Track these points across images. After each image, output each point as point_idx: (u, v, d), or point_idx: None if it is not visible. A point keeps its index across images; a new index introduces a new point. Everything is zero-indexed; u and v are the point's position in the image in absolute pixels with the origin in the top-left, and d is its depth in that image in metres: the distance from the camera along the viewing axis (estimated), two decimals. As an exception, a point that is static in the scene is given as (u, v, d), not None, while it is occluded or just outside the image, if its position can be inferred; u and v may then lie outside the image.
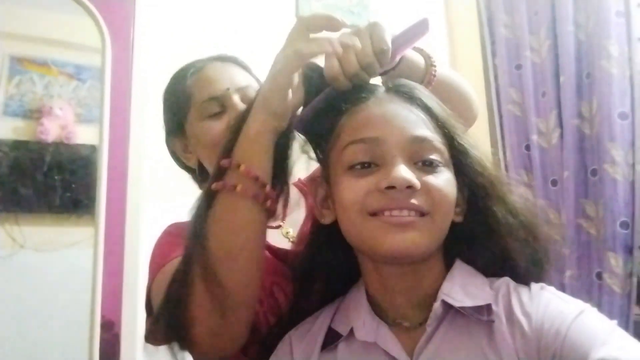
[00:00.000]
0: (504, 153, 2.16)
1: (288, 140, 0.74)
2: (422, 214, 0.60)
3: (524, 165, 2.10)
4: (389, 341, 0.62)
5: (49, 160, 1.90)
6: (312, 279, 0.73)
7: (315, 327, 0.69)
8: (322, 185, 0.69)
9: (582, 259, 1.84)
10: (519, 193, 0.69)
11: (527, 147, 2.10)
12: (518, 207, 0.67)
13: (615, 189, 1.77)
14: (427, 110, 0.66)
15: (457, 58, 2.47)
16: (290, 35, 0.68)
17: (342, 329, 0.66)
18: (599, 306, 1.72)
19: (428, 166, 0.62)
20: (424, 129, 0.64)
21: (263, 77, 0.73)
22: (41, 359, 1.68)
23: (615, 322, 0.57)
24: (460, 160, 0.66)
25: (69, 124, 2.03)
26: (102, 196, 1.19)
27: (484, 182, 0.66)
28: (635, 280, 1.73)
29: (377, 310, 0.66)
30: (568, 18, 1.97)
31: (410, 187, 0.59)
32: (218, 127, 0.89)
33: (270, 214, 0.70)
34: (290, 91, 0.69)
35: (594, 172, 1.86)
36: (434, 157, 0.63)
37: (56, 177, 1.84)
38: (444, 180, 0.62)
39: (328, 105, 0.69)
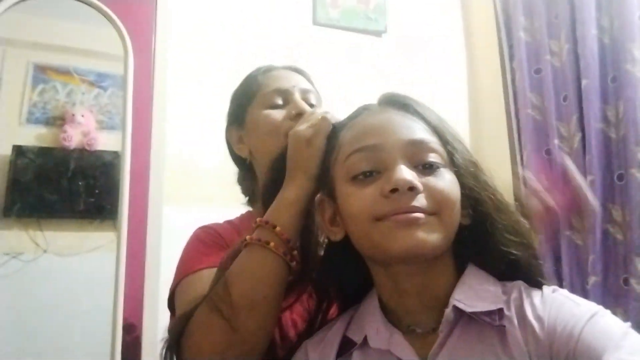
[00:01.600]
0: (521, 157, 2.14)
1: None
2: (429, 214, 0.61)
3: (544, 169, 2.07)
4: (403, 348, 0.62)
5: (72, 166, 1.94)
6: (325, 295, 0.74)
7: (330, 335, 0.69)
8: (328, 204, 0.70)
9: (609, 265, 1.82)
10: (519, 195, 0.70)
11: (548, 152, 2.08)
12: (505, 212, 0.67)
13: (641, 194, 1.74)
14: (421, 116, 0.68)
15: (475, 61, 2.46)
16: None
17: (357, 337, 0.66)
18: (626, 312, 1.70)
19: (429, 168, 0.63)
20: (421, 132, 0.66)
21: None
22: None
23: (629, 324, 0.56)
24: (454, 163, 0.67)
25: (91, 131, 2.07)
26: (125, 201, 1.21)
27: (472, 188, 0.67)
28: (662, 285, 1.70)
29: (390, 317, 0.66)
30: (591, 21, 1.95)
31: (412, 188, 0.60)
32: (277, 116, 0.94)
33: (294, 273, 0.73)
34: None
35: (621, 177, 1.83)
36: (433, 159, 0.64)
37: (80, 183, 1.87)
38: (445, 180, 0.63)
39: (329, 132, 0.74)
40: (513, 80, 2.28)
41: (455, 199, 0.64)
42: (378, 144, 0.64)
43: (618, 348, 0.52)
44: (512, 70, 2.28)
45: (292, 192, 0.73)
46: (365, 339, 0.65)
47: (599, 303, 0.62)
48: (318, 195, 0.72)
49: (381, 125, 0.66)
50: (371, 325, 0.66)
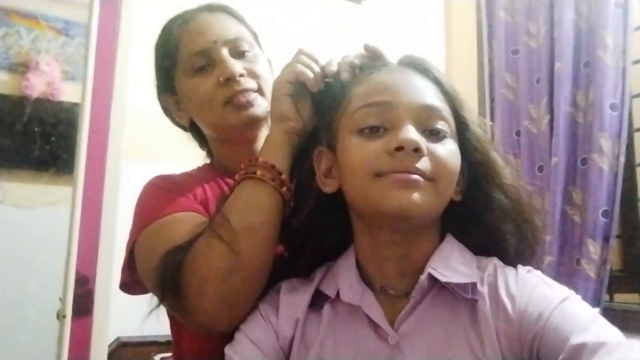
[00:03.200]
0: (492, 137, 2.16)
1: (315, 141, 0.78)
2: (427, 179, 0.61)
3: (512, 150, 2.10)
4: (373, 307, 0.63)
5: (32, 115, 1.87)
6: (303, 244, 0.74)
7: (303, 286, 0.70)
8: (326, 155, 0.70)
9: (565, 246, 1.87)
10: (512, 175, 0.70)
11: (518, 133, 2.11)
12: (512, 189, 0.68)
13: (600, 178, 1.79)
14: (438, 82, 0.68)
15: (452, 38, 2.45)
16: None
17: (330, 291, 0.67)
18: (576, 291, 1.75)
19: (435, 135, 0.63)
20: (435, 99, 0.65)
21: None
22: (15, 312, 1.68)
23: (598, 309, 0.58)
24: (463, 135, 0.67)
25: (55, 81, 1.99)
26: (82, 153, 1.17)
27: (482, 160, 0.67)
28: (609, 267, 1.76)
29: (365, 277, 0.67)
30: (570, 5, 1.95)
31: (417, 150, 0.60)
32: (206, 84, 0.86)
33: (287, 201, 0.74)
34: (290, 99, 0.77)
35: (584, 161, 1.87)
36: (441, 126, 0.64)
37: (37, 132, 1.81)
38: (449, 149, 0.63)
39: (338, 80, 0.72)
40: (491, 60, 2.28)
41: (455, 170, 0.64)
42: (390, 102, 0.63)
43: (585, 331, 0.53)
44: (491, 49, 2.28)
45: (269, 132, 0.78)
46: (337, 293, 0.66)
47: (552, 278, 0.64)
48: (317, 148, 0.72)
49: (396, 84, 0.65)
50: (345, 280, 0.66)
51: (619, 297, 1.97)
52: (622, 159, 1.78)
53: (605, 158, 1.79)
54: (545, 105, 2.00)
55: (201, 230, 0.71)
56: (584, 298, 1.85)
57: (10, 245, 1.75)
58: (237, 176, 0.75)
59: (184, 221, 0.77)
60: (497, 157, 0.69)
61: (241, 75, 0.85)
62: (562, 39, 1.96)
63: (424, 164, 0.60)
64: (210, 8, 0.92)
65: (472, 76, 2.34)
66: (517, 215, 0.68)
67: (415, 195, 0.59)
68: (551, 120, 1.97)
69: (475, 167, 0.67)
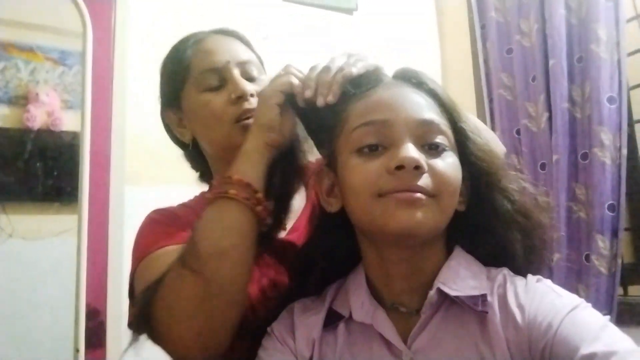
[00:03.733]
0: (493, 138, 2.16)
1: (291, 156, 0.78)
2: (429, 195, 0.61)
3: (514, 149, 2.10)
4: (385, 325, 0.63)
5: (34, 147, 1.88)
6: (312, 264, 0.74)
7: (317, 306, 0.70)
8: (327, 175, 0.70)
9: (572, 242, 1.86)
10: (517, 181, 0.70)
11: (518, 132, 2.10)
12: (516, 195, 0.68)
13: (603, 173, 1.78)
14: (434, 95, 0.68)
15: (446, 41, 2.46)
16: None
17: (343, 311, 0.67)
18: (587, 288, 1.75)
19: (434, 150, 0.63)
20: (431, 113, 0.65)
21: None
22: (28, 346, 1.68)
23: (608, 317, 0.58)
24: (463, 145, 0.67)
25: (55, 110, 2.00)
26: (85, 183, 1.18)
27: (485, 169, 0.67)
28: (620, 261, 1.75)
29: (375, 294, 0.67)
30: (559, 1, 1.96)
31: (417, 168, 0.60)
32: (217, 101, 0.87)
33: (262, 219, 0.73)
34: (278, 110, 0.75)
35: (585, 156, 1.86)
36: (440, 140, 0.64)
37: (40, 165, 1.83)
38: (449, 163, 0.63)
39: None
40: (486, 61, 2.28)
41: (457, 184, 0.64)
42: (387, 120, 0.63)
43: (595, 340, 0.53)
44: (485, 50, 2.29)
45: (247, 144, 0.76)
46: (350, 312, 0.66)
47: (562, 279, 0.64)
48: (318, 166, 0.73)
49: (392, 101, 0.65)
50: (356, 299, 0.66)
51: (633, 290, 1.95)
52: (625, 151, 1.77)
53: (607, 151, 1.78)
54: (543, 102, 2.00)
55: (174, 259, 0.70)
56: (597, 294, 1.83)
57: (21, 278, 1.75)
58: (209, 194, 0.74)
59: (173, 254, 0.76)
60: (499, 163, 0.69)
61: (252, 95, 0.86)
62: (554, 35, 1.96)
63: (425, 180, 0.60)
64: (222, 32, 0.95)
65: (469, 78, 2.34)
66: (524, 222, 0.67)
67: (419, 214, 0.59)
68: (550, 118, 1.97)
69: (478, 176, 0.67)
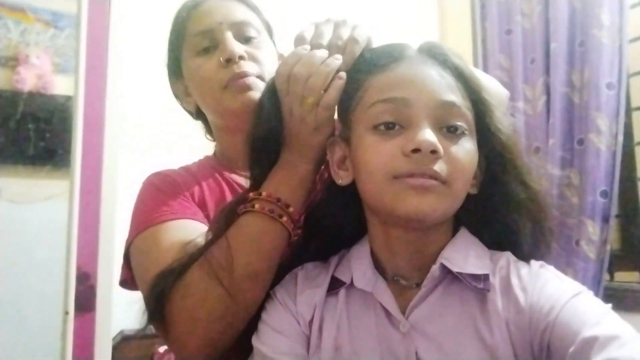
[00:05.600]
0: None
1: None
2: (442, 181, 0.59)
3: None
4: (385, 295, 0.64)
5: (24, 110, 1.84)
6: (316, 230, 0.73)
7: (319, 273, 0.71)
8: (339, 146, 0.68)
9: (564, 227, 1.87)
10: (535, 169, 0.69)
11: (513, 114, 2.10)
12: (532, 184, 0.67)
13: (598, 159, 1.79)
14: (458, 75, 0.65)
15: (446, 20, 2.43)
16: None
17: (344, 278, 0.67)
18: (575, 272, 1.77)
19: (452, 132, 0.61)
20: (454, 95, 0.62)
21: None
22: (17, 310, 1.68)
23: (610, 305, 0.58)
24: (483, 129, 0.65)
25: (46, 74, 1.96)
26: (78, 148, 1.16)
27: (501, 154, 0.65)
28: (608, 247, 1.77)
29: (378, 266, 0.67)
30: (563, -17, 1.94)
31: (434, 152, 0.58)
32: (207, 65, 0.85)
33: (290, 230, 0.71)
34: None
35: (581, 142, 1.87)
36: (459, 123, 0.62)
37: (31, 127, 1.79)
38: (466, 149, 0.62)
39: (355, 65, 0.68)
40: (484, 41, 2.26)
41: (471, 171, 0.63)
42: (407, 99, 0.61)
43: (597, 324, 0.53)
44: (484, 30, 2.26)
45: (304, 170, 0.71)
46: (352, 280, 0.66)
47: (551, 263, 0.64)
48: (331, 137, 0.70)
49: (414, 78, 0.62)
50: (359, 267, 0.67)
51: (619, 276, 1.98)
52: (621, 138, 1.78)
53: (603, 138, 1.79)
54: (541, 85, 1.99)
55: (195, 252, 0.69)
56: (584, 279, 1.85)
57: (9, 241, 1.74)
58: (257, 207, 0.70)
59: (177, 232, 0.76)
60: (519, 151, 0.68)
61: (241, 58, 0.83)
62: (556, 18, 1.94)
63: (440, 166, 0.59)
64: None
65: (466, 58, 2.32)
66: (536, 212, 0.66)
67: (431, 200, 0.59)
68: (548, 101, 1.96)
69: (495, 161, 0.66)
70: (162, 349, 1.53)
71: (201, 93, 0.88)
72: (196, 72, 0.86)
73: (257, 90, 0.82)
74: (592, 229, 1.77)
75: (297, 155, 0.71)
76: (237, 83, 0.83)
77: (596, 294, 0.58)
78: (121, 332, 1.61)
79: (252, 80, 0.83)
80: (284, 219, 0.69)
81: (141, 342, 1.59)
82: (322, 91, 0.66)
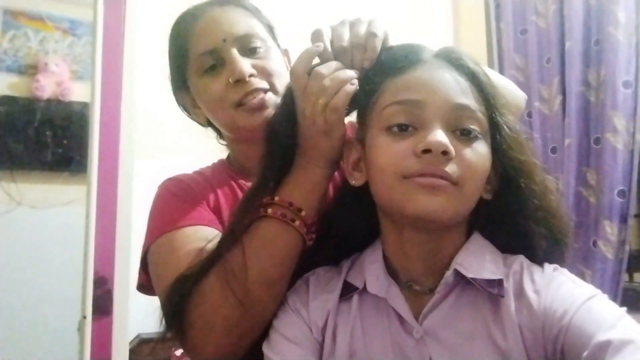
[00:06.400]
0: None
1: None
2: (453, 182, 0.59)
3: (525, 132, 2.07)
4: (399, 300, 0.64)
5: (43, 117, 1.89)
6: (329, 234, 0.73)
7: (331, 277, 0.70)
8: (355, 147, 0.69)
9: (581, 227, 1.85)
10: (548, 179, 0.68)
11: (529, 114, 2.08)
12: (545, 191, 0.67)
13: (615, 158, 1.77)
14: (474, 79, 0.65)
15: (461, 21, 2.42)
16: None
17: (357, 283, 0.67)
18: (593, 273, 1.74)
19: (466, 136, 0.61)
20: (467, 98, 0.63)
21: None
22: (36, 313, 1.71)
23: (624, 309, 0.57)
24: (497, 134, 0.64)
25: (64, 81, 2.01)
26: (94, 153, 1.18)
27: (515, 161, 0.65)
28: (627, 247, 1.75)
29: (391, 271, 0.67)
30: (578, -18, 1.92)
31: (445, 153, 0.59)
32: (216, 85, 0.83)
33: (304, 235, 0.70)
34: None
35: (597, 141, 1.84)
36: (473, 126, 0.62)
37: (49, 134, 1.83)
38: (478, 152, 0.62)
39: (372, 66, 0.68)
40: (499, 41, 2.25)
41: (483, 174, 0.62)
42: (420, 101, 0.61)
43: (611, 328, 0.53)
44: (499, 30, 2.25)
45: (317, 175, 0.71)
46: (365, 285, 0.66)
47: (568, 264, 0.63)
48: (347, 137, 0.70)
49: (429, 82, 0.63)
50: (372, 272, 0.66)
51: (638, 277, 1.94)
52: (638, 137, 1.75)
53: (620, 137, 1.76)
54: (557, 85, 1.97)
55: (210, 259, 0.69)
56: (602, 280, 1.82)
57: (29, 246, 1.78)
58: (269, 211, 0.69)
59: (193, 238, 0.76)
60: (533, 159, 0.67)
61: (251, 75, 0.82)
62: (571, 16, 1.92)
63: (451, 167, 0.59)
64: (221, 2, 0.88)
65: (481, 58, 2.31)
66: (551, 219, 0.66)
67: (440, 201, 0.59)
68: (564, 101, 1.94)
69: (509, 168, 0.65)
70: (179, 352, 1.55)
71: (211, 111, 0.87)
72: (204, 91, 0.86)
73: (271, 107, 0.82)
74: (610, 229, 1.74)
75: (309, 159, 0.71)
76: (250, 102, 0.82)
77: (615, 295, 0.58)
78: (138, 335, 1.63)
79: (264, 97, 0.83)
80: (297, 223, 0.69)
81: (158, 345, 1.61)
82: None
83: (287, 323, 0.68)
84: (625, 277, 1.80)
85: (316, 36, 0.69)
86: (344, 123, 0.69)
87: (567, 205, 1.84)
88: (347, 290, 0.67)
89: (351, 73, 0.67)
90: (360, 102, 0.68)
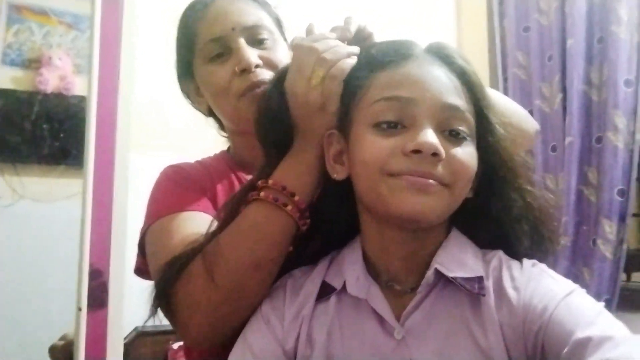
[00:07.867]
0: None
1: None
2: (442, 183, 0.59)
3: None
4: (379, 301, 0.63)
5: (45, 109, 1.91)
6: (312, 230, 0.71)
7: (309, 279, 0.69)
8: (338, 140, 0.67)
9: (581, 226, 1.84)
10: (533, 180, 0.68)
11: (530, 112, 2.07)
12: (529, 191, 0.66)
13: (615, 157, 1.76)
14: (464, 78, 0.64)
15: (463, 19, 2.41)
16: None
17: (336, 283, 0.66)
18: (591, 272, 1.74)
19: (454, 137, 0.61)
20: (459, 98, 0.62)
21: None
22: (34, 304, 1.73)
23: (602, 304, 0.57)
24: (483, 134, 0.64)
25: (67, 75, 2.02)
26: (91, 147, 1.19)
27: (500, 161, 0.65)
28: (625, 247, 1.74)
29: (371, 270, 0.66)
30: (581, -22, 1.90)
31: (435, 154, 0.58)
32: (221, 73, 0.84)
33: (296, 220, 0.69)
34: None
35: (599, 140, 1.83)
36: (462, 127, 0.61)
37: (47, 127, 1.85)
38: (467, 153, 0.61)
39: (361, 60, 0.67)
40: (502, 39, 2.24)
41: (471, 175, 0.62)
42: (412, 98, 0.60)
43: (591, 325, 0.53)
44: (502, 27, 2.24)
45: (311, 156, 0.69)
46: (344, 285, 0.65)
47: (568, 263, 0.63)
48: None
49: (420, 78, 0.61)
50: (351, 272, 0.65)
51: (636, 276, 1.94)
52: (638, 136, 1.75)
53: (620, 136, 1.75)
54: (558, 83, 1.96)
55: (201, 242, 0.70)
56: (600, 279, 1.81)
57: (31, 239, 1.80)
58: (262, 195, 0.69)
59: (189, 223, 0.77)
60: (518, 160, 0.67)
61: (257, 66, 0.83)
62: (574, 14, 1.91)
63: (440, 169, 0.58)
64: None
65: (484, 56, 2.30)
66: (534, 217, 0.66)
67: (428, 201, 0.58)
68: (564, 99, 1.93)
69: (493, 167, 0.65)
70: (176, 345, 1.56)
71: (215, 99, 0.88)
72: (209, 79, 0.86)
73: None
74: (609, 228, 1.73)
75: (303, 141, 0.70)
76: (255, 93, 0.82)
77: (613, 294, 0.57)
78: (136, 328, 1.64)
79: None
80: (289, 207, 0.67)
81: (155, 338, 1.62)
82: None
83: (256, 332, 0.66)
84: (623, 276, 1.80)
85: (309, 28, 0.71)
86: (338, 101, 0.68)
87: (568, 204, 1.84)
88: (325, 291, 0.66)
89: (351, 48, 0.67)
90: (345, 94, 0.66)
